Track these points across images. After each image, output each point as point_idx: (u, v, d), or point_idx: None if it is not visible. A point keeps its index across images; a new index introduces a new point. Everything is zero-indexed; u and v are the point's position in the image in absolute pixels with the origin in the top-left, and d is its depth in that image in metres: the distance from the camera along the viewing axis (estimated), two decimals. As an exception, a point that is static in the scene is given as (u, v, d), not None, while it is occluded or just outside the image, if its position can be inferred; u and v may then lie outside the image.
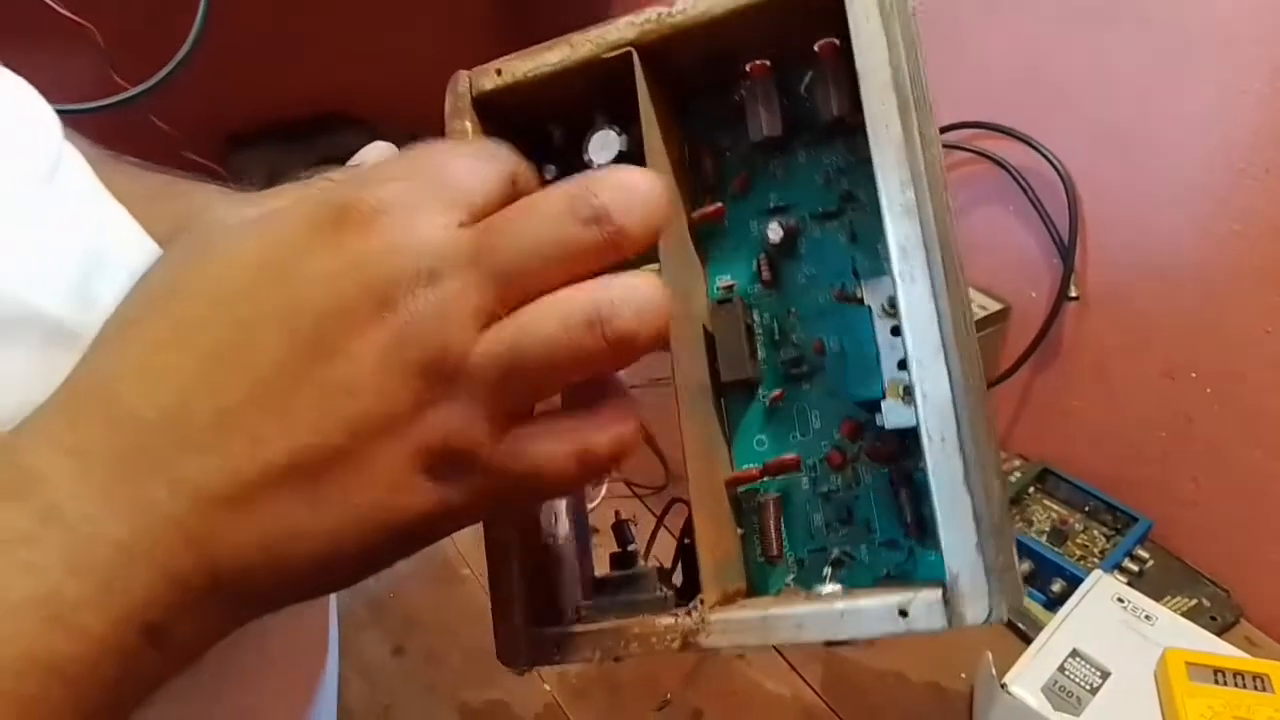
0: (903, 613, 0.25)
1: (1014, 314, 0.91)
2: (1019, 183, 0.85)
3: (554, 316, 0.23)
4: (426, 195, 0.23)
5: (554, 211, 0.23)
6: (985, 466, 0.24)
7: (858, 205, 0.31)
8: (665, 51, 0.30)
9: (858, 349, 0.29)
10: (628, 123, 0.31)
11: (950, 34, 0.86)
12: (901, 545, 0.30)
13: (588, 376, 0.24)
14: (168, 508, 0.21)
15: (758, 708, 0.72)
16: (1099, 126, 0.80)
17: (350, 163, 0.30)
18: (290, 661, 0.36)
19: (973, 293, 0.93)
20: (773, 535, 0.31)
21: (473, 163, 0.25)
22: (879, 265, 0.30)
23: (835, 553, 0.30)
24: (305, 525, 0.22)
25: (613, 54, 0.30)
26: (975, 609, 0.24)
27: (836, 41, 0.29)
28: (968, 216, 0.92)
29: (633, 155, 0.31)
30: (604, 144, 0.32)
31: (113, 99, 0.83)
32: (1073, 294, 0.84)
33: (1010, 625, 0.78)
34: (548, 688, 0.74)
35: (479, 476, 0.24)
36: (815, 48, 0.29)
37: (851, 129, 0.31)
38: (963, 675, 0.74)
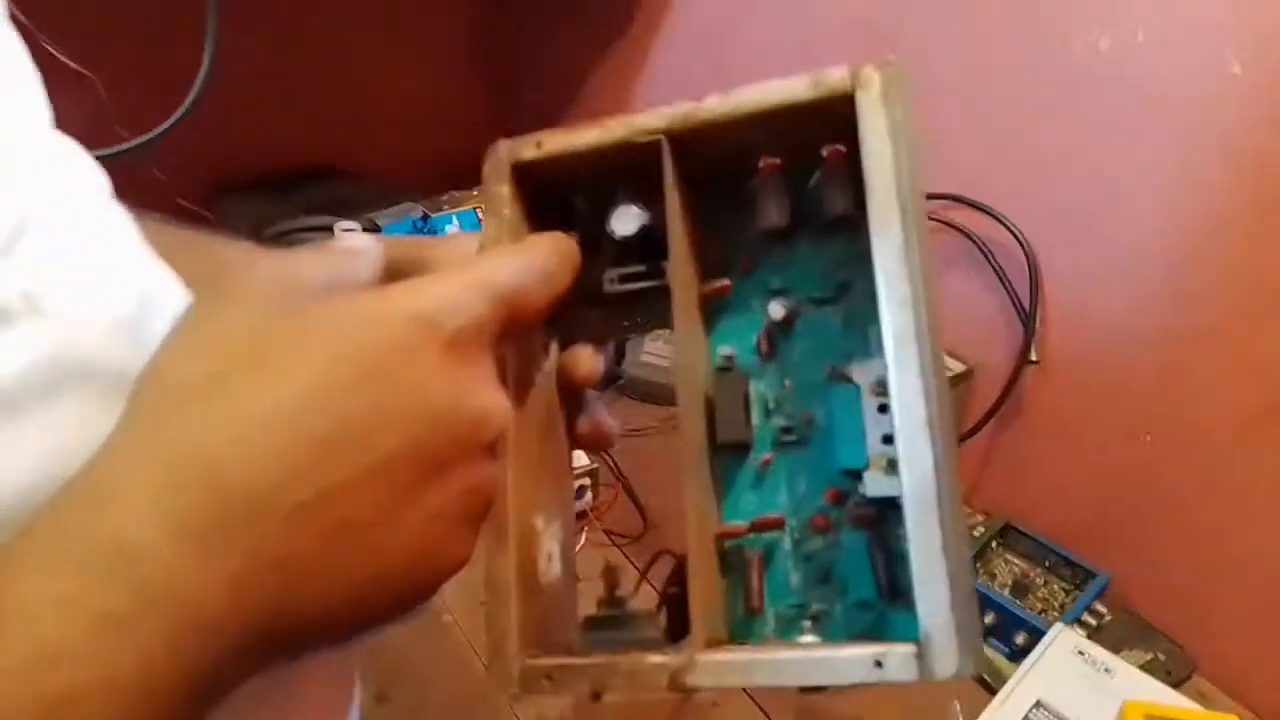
0: (878, 663, 0.27)
1: (978, 375, 0.95)
2: (983, 252, 0.90)
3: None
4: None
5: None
6: (959, 534, 0.27)
7: (852, 294, 0.34)
8: (690, 141, 0.33)
9: (846, 422, 0.32)
10: (648, 197, 0.35)
11: (920, 109, 0.90)
12: (874, 607, 0.32)
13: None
14: (255, 580, 0.23)
15: (732, 754, 0.74)
16: (1060, 201, 0.84)
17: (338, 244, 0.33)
18: (322, 698, 0.38)
19: (940, 355, 0.96)
20: (755, 588, 0.33)
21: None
22: (869, 349, 0.34)
23: (813, 609, 0.33)
24: (365, 593, 0.26)
25: (644, 139, 0.33)
26: (945, 665, 0.26)
27: (843, 149, 0.32)
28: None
29: (653, 229, 0.34)
30: (627, 218, 0.35)
31: (115, 149, 0.85)
32: (1033, 358, 0.88)
33: (976, 677, 0.80)
34: (528, 733, 0.75)
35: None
36: (824, 152, 0.33)
37: (852, 226, 0.34)
38: (930, 725, 0.76)
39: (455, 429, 0.27)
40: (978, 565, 0.87)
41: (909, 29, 0.91)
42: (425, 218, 1.23)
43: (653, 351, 1.17)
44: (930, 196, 0.92)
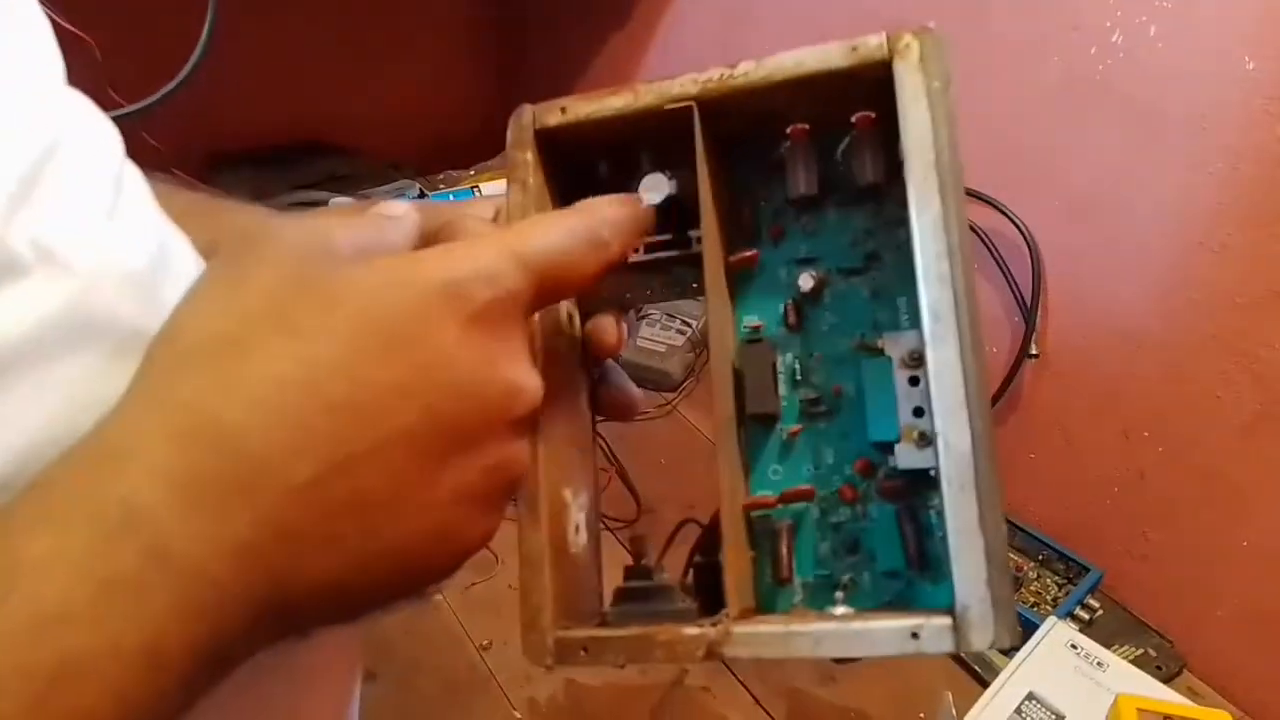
0: (914, 635, 0.27)
1: (978, 368, 0.95)
2: (986, 245, 0.90)
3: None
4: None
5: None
6: (996, 508, 0.27)
7: (881, 265, 0.34)
8: (721, 108, 0.33)
9: (877, 394, 0.32)
10: (674, 164, 0.34)
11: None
12: (902, 575, 0.32)
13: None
14: (263, 548, 0.22)
15: (724, 741, 0.74)
16: (1066, 195, 0.84)
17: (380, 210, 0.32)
18: (329, 670, 0.37)
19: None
20: (785, 558, 0.33)
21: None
22: (898, 320, 0.33)
23: (842, 579, 0.33)
24: (377, 570, 0.25)
25: (674, 105, 0.32)
26: (982, 636, 0.26)
27: (873, 115, 0.32)
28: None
29: (682, 197, 0.34)
30: (655, 185, 0.34)
31: (111, 114, 0.83)
32: (1033, 352, 0.88)
33: (968, 668, 0.80)
34: (518, 715, 0.74)
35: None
36: (853, 119, 0.32)
37: (880, 195, 0.34)
38: (921, 715, 0.76)
39: (482, 403, 0.26)
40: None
41: (916, 20, 0.90)
42: (422, 195, 1.22)
43: (648, 336, 1.16)
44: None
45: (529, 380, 0.27)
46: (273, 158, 1.28)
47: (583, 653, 0.30)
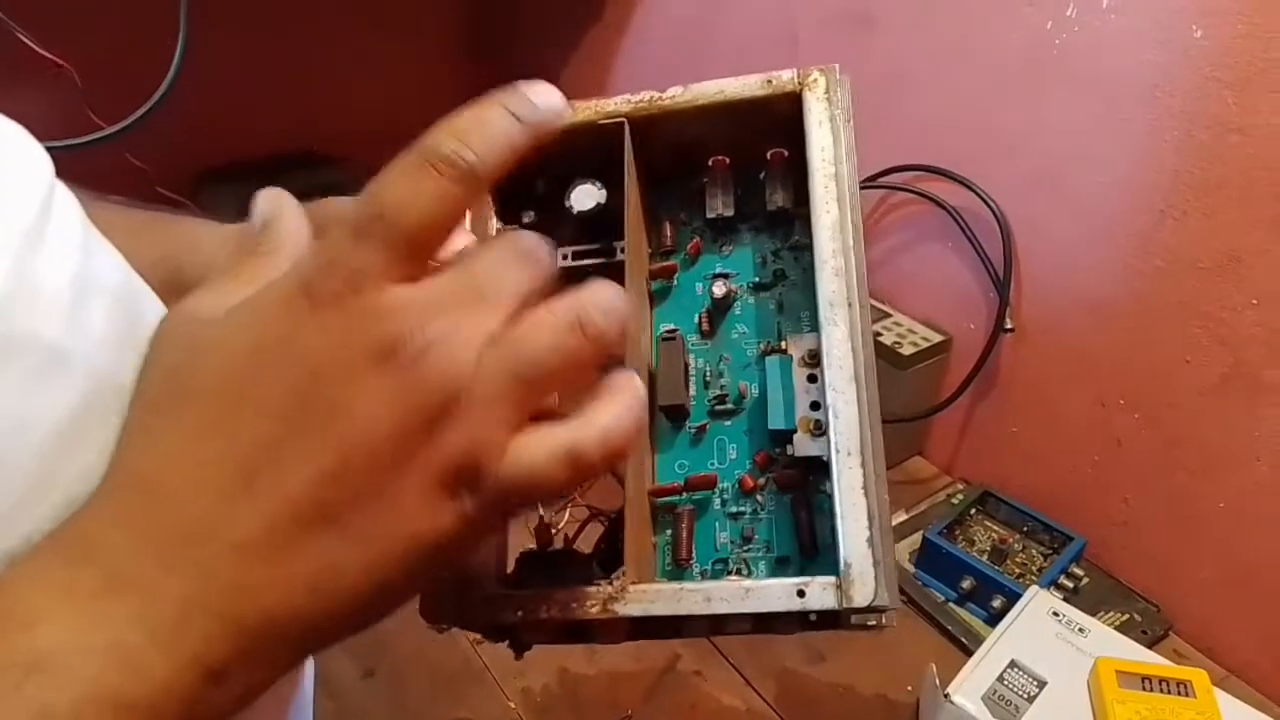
0: (800, 593, 0.29)
1: (955, 345, 0.96)
2: (957, 222, 0.90)
3: (545, 328, 0.26)
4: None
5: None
6: (879, 479, 0.29)
7: (787, 283, 0.38)
8: (650, 128, 0.36)
9: (778, 389, 0.34)
10: (606, 182, 0.37)
11: (898, 84, 0.91)
12: (793, 562, 0.34)
13: (574, 378, 0.27)
14: (215, 564, 0.23)
15: (714, 721, 0.75)
16: (1032, 170, 0.85)
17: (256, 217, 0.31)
18: None
19: (915, 324, 0.97)
20: (684, 541, 0.35)
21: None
22: (800, 328, 0.36)
23: (737, 566, 0.35)
24: (342, 561, 0.24)
25: (608, 121, 0.36)
26: (862, 592, 0.28)
27: (785, 152, 0.36)
28: (910, 253, 0.97)
29: (608, 210, 0.36)
30: (586, 195, 0.37)
31: (89, 137, 0.85)
32: (1008, 326, 0.89)
33: (953, 639, 0.82)
34: (512, 705, 0.76)
35: (490, 489, 0.25)
36: (768, 155, 0.36)
37: (789, 220, 0.37)
38: (909, 688, 0.77)
39: (342, 355, 0.25)
40: (956, 531, 0.89)
41: (882, 9, 0.91)
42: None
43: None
44: (904, 168, 0.92)
45: (416, 331, 0.25)
46: (260, 170, 1.29)
47: (479, 611, 0.32)
